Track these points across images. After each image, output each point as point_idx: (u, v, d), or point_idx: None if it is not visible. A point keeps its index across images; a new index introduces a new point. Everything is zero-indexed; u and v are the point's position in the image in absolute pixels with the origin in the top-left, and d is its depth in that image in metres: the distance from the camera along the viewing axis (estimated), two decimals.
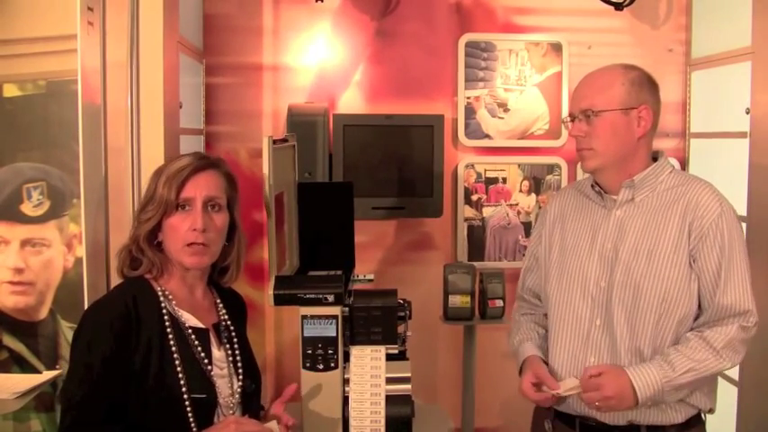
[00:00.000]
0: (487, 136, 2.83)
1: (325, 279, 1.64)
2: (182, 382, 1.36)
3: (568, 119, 1.71)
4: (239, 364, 1.49)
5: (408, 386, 1.64)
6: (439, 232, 2.85)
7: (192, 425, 1.36)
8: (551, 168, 2.86)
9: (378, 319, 1.66)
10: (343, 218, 1.92)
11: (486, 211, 2.85)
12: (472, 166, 2.83)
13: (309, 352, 1.61)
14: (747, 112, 2.40)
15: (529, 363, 1.73)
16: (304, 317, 1.61)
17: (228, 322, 1.52)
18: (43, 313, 1.99)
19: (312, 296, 1.60)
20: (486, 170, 2.84)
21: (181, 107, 2.28)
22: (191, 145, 2.44)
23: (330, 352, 1.61)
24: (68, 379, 1.35)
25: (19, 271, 1.96)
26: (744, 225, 2.15)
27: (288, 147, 1.84)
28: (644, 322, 1.61)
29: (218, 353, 1.47)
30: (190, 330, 1.43)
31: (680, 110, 2.88)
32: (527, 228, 2.84)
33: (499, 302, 2.53)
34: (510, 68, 2.83)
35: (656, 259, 1.61)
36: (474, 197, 2.84)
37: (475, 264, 2.65)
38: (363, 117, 2.73)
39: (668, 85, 2.83)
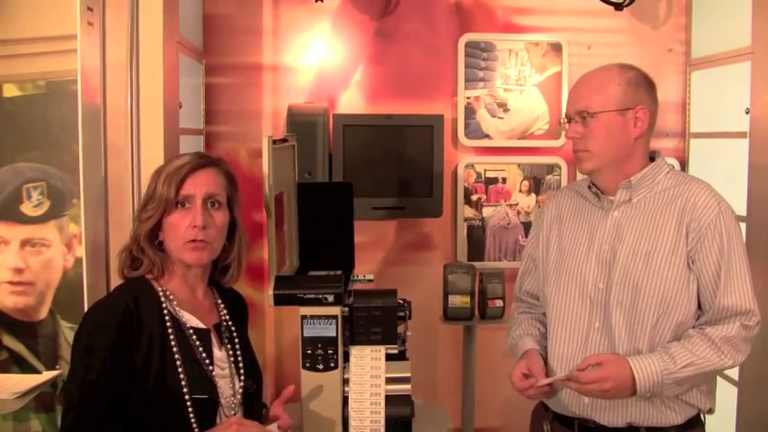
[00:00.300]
0: (487, 136, 2.83)
1: (324, 279, 1.64)
2: (183, 383, 1.36)
3: (565, 120, 1.70)
4: (240, 365, 1.49)
5: (408, 386, 1.64)
6: (439, 232, 2.85)
7: (194, 425, 1.35)
8: (551, 168, 2.86)
9: (378, 319, 1.67)
10: (342, 218, 1.92)
11: (486, 211, 2.85)
12: (472, 166, 2.83)
13: (309, 352, 1.62)
14: (747, 112, 2.39)
15: (527, 354, 1.71)
16: (304, 317, 1.62)
17: (230, 322, 1.52)
18: (43, 313, 1.98)
19: (312, 296, 1.60)
20: (485, 170, 2.84)
21: (181, 107, 2.28)
22: (191, 145, 2.43)
23: (330, 352, 1.61)
24: (69, 379, 1.34)
25: (19, 271, 1.96)
26: (743, 225, 2.14)
27: (288, 147, 1.84)
28: (642, 324, 1.60)
29: (219, 353, 1.47)
30: (191, 331, 1.43)
31: (680, 110, 2.88)
32: (527, 228, 2.84)
33: (499, 302, 2.53)
34: (510, 68, 2.83)
35: (654, 260, 1.60)
36: (474, 197, 2.84)
37: (475, 264, 2.65)
38: (363, 117, 2.72)
39: (668, 85, 2.84)
